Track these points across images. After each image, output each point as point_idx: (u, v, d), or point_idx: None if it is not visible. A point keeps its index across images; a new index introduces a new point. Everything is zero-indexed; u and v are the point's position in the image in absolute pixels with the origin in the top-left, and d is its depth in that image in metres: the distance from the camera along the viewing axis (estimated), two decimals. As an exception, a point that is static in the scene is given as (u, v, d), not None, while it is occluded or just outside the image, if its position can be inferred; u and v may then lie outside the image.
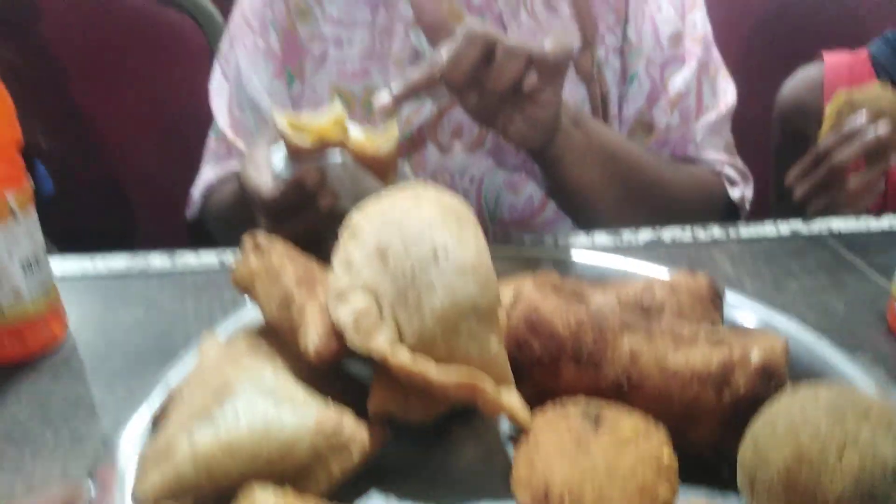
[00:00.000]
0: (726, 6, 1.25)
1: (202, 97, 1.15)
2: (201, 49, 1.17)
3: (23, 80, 0.91)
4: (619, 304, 0.52)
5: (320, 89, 0.88)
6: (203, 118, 1.16)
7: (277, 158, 0.63)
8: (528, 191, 0.86)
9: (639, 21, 0.86)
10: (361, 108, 0.86)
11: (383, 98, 0.62)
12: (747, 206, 0.89)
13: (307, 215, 0.62)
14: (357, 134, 0.62)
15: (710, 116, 0.88)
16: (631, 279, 0.56)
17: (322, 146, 0.60)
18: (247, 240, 0.53)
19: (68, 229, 0.98)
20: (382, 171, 0.62)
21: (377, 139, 0.62)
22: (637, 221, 0.80)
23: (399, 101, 0.62)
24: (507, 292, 0.54)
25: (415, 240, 0.45)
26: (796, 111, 0.93)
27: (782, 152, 1.01)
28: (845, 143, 0.74)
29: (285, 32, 0.88)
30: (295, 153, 0.61)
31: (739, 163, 0.91)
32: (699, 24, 0.88)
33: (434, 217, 0.47)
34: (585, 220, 0.83)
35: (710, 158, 0.88)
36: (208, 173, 0.94)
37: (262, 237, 0.53)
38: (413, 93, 0.62)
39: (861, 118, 0.74)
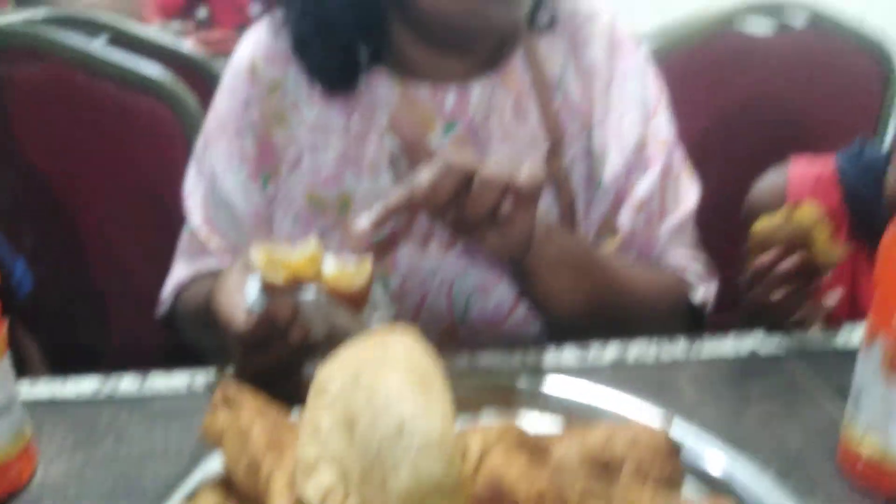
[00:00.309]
0: (691, 98, 1.28)
1: (178, 185, 1.16)
2: (177, 135, 1.18)
3: (8, 185, 0.92)
4: (581, 458, 0.53)
5: (294, 192, 0.89)
6: (178, 208, 1.17)
7: (251, 289, 0.64)
8: (498, 295, 0.88)
9: (603, 128, 0.89)
10: (335, 213, 0.88)
11: (362, 223, 0.64)
12: (710, 305, 0.92)
13: (278, 348, 0.64)
14: (331, 268, 0.64)
15: (674, 219, 0.90)
16: (596, 421, 0.58)
17: (296, 282, 0.62)
18: (217, 393, 0.54)
19: (46, 324, 0.99)
20: (355, 304, 0.64)
21: (351, 274, 0.63)
22: (605, 325, 0.82)
23: (378, 225, 0.64)
24: (473, 441, 0.55)
25: (382, 412, 0.47)
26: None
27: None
28: (755, 283, 0.77)
29: (261, 137, 0.90)
30: (269, 287, 0.62)
31: (702, 260, 0.93)
32: (663, 128, 0.91)
33: (401, 385, 0.48)
34: (555, 321, 0.85)
35: (673, 260, 0.91)
36: (180, 271, 0.95)
37: (232, 389, 0.54)
38: (391, 217, 0.64)
39: (765, 256, 0.76)
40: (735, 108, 1.33)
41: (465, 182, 0.64)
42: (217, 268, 0.90)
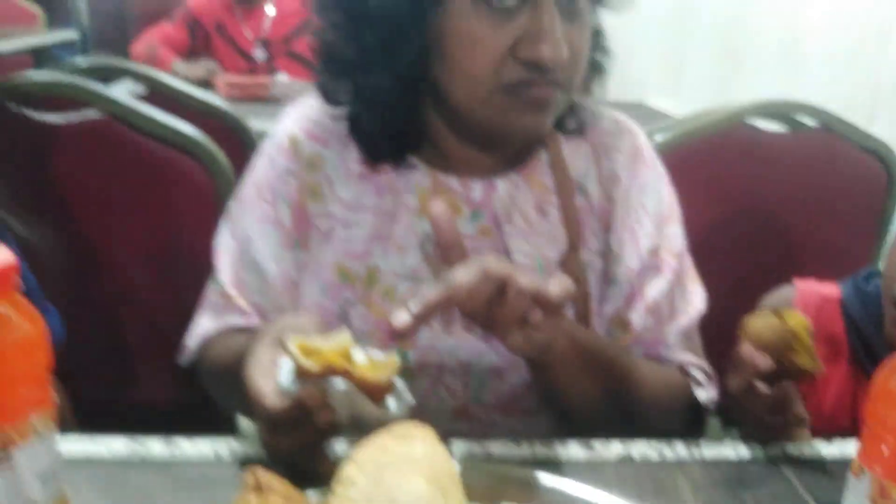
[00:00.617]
0: (702, 188, 1.34)
1: (206, 239, 1.21)
2: (208, 191, 1.23)
3: (42, 233, 0.97)
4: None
5: (323, 262, 0.93)
6: (206, 261, 1.21)
7: (284, 372, 0.69)
8: (513, 379, 0.92)
9: (620, 231, 0.94)
10: (362, 286, 0.92)
11: (402, 318, 0.68)
12: (712, 406, 0.96)
13: (305, 430, 0.68)
14: (360, 359, 0.68)
15: (681, 321, 0.95)
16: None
17: (328, 372, 0.66)
18: (248, 477, 0.58)
19: (74, 374, 1.02)
20: (380, 394, 0.68)
21: (379, 366, 0.68)
22: (612, 418, 0.87)
23: (418, 321, 0.68)
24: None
25: (404, 518, 0.51)
26: None
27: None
28: (733, 373, 0.80)
29: (296, 207, 0.94)
30: (302, 373, 0.67)
31: (705, 365, 0.98)
32: (675, 237, 0.96)
33: (421, 491, 0.52)
34: (566, 411, 0.90)
35: (679, 360, 0.96)
36: (206, 324, 0.99)
37: (262, 475, 0.58)
38: (430, 313, 0.69)
39: (746, 349, 0.79)
40: (743, 200, 1.38)
41: (500, 289, 0.69)
42: (242, 325, 0.95)
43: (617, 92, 0.89)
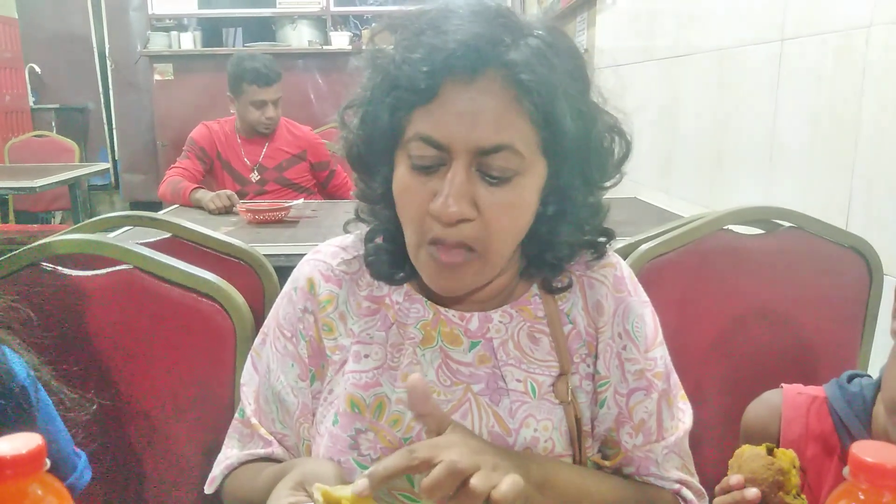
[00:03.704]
0: (685, 294, 1.41)
1: (225, 375, 1.28)
2: (227, 329, 1.32)
3: (71, 380, 1.05)
4: None
5: (336, 391, 1.01)
6: (223, 395, 1.29)
7: None
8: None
9: (607, 357, 1.01)
10: (370, 414, 0.99)
11: (363, 485, 0.76)
12: None
13: None
14: None
15: (670, 439, 1.02)
16: None
17: None
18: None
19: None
20: None
21: None
22: None
23: (378, 484, 0.76)
24: None
25: None
26: (759, 436, 1.03)
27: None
28: (721, 496, 0.85)
29: (312, 342, 1.03)
30: None
31: (695, 481, 1.04)
32: (659, 361, 1.02)
33: None
34: None
35: (669, 477, 1.01)
36: (231, 452, 1.08)
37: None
38: (391, 478, 0.77)
39: (733, 479, 0.84)
40: (727, 301, 1.45)
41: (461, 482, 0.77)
42: (263, 454, 1.04)
43: (614, 188, 0.96)
